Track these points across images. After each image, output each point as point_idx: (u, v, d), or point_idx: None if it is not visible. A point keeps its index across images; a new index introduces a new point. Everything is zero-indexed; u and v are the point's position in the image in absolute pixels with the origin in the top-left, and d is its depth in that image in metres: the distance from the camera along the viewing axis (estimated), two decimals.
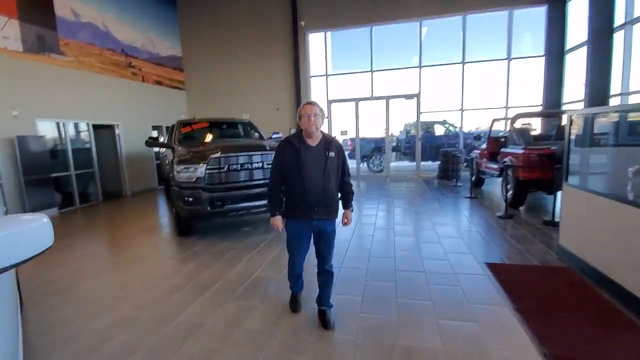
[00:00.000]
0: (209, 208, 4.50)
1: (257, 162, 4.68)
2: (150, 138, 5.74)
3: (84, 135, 8.47)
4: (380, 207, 6.52)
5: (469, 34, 9.88)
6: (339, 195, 2.56)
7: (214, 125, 6.54)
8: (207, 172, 4.49)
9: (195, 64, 11.80)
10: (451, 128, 11.59)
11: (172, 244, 4.87)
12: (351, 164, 11.52)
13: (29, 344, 2.51)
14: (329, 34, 10.96)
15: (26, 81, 6.85)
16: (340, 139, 12.02)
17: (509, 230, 4.70)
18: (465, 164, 9.93)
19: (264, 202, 4.28)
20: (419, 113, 10.19)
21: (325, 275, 2.57)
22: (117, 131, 9.10)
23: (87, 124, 8.30)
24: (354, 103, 10.51)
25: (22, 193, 6.57)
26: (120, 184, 9.32)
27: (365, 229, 5.11)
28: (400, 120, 11.96)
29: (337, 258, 3.89)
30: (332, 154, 2.38)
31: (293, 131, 10.70)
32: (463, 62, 10.01)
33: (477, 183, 7.96)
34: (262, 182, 4.64)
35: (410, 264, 3.65)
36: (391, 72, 10.76)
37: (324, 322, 2.50)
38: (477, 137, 8.54)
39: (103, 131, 8.97)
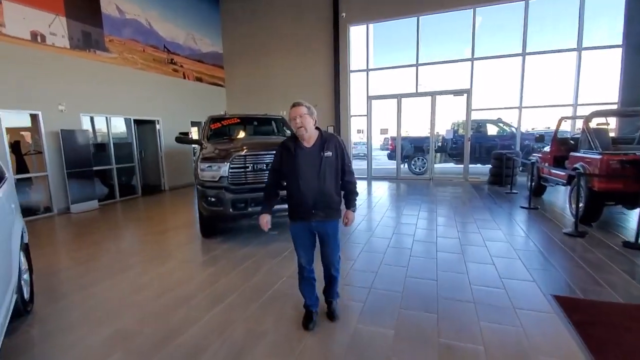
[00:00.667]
0: (231, 210, 4.21)
1: None
2: (181, 134, 5.57)
3: (125, 130, 8.69)
4: (422, 214, 5.86)
5: (531, 21, 8.75)
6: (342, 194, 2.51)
7: (245, 121, 6.25)
8: (230, 171, 4.19)
9: (235, 61, 11.78)
10: (506, 127, 10.45)
11: (195, 245, 4.66)
12: (391, 164, 10.98)
13: (28, 352, 2.35)
14: (371, 26, 10.31)
15: (72, 77, 7.07)
16: (357, 137, 11.30)
17: (580, 252, 3.88)
18: (521, 168, 8.85)
19: None
20: (469, 110, 9.27)
21: (329, 278, 2.60)
22: (157, 127, 9.25)
23: (129, 119, 8.50)
24: (396, 100, 9.85)
25: (66, 185, 6.80)
26: (159, 178, 9.49)
27: (403, 240, 4.53)
28: (447, 118, 11.01)
29: (367, 276, 3.41)
30: (328, 153, 2.29)
31: (331, 129, 10.27)
32: (523, 54, 8.88)
33: (537, 191, 6.89)
34: None
35: (457, 289, 3.05)
36: (439, 65, 9.85)
37: (330, 313, 2.62)
38: (540, 137, 7.44)
39: (144, 126, 9.18)
